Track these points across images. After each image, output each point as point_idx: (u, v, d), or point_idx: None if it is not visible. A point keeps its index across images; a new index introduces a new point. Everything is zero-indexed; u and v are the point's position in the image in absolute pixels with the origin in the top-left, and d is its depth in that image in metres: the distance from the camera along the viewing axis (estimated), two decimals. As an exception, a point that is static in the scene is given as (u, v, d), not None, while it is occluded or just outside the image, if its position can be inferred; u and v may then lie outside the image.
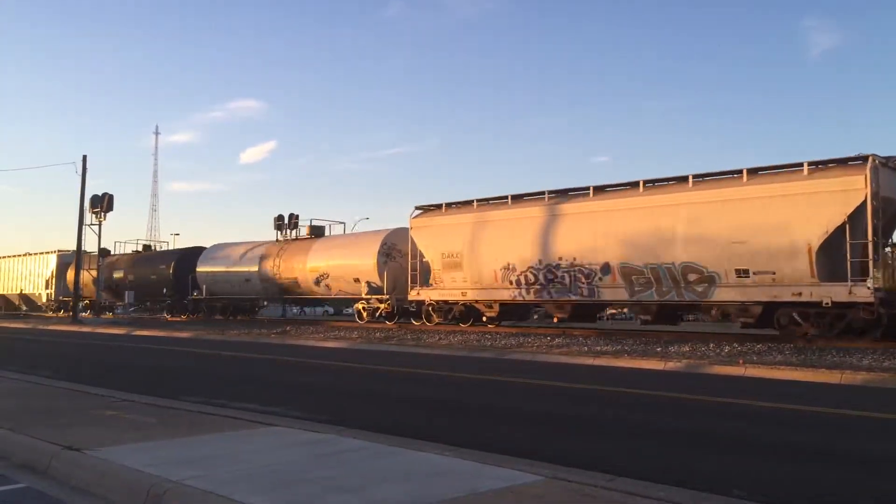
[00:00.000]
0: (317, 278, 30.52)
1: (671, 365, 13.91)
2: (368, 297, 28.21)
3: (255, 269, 33.52)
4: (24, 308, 52.13)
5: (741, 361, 13.65)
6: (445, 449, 5.63)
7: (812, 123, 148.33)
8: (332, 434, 6.33)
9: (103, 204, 39.79)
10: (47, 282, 49.07)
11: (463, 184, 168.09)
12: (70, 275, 43.53)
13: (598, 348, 16.73)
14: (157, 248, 47.23)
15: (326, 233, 34.40)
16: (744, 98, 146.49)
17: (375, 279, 27.84)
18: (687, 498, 4.36)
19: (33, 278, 50.66)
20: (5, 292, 54.18)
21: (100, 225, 40.16)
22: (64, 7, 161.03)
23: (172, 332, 27.00)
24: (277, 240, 34.26)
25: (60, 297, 47.72)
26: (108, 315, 44.16)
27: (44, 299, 49.48)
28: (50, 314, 46.89)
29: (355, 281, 28.76)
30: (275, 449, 5.71)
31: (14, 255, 53.96)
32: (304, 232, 34.34)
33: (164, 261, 40.88)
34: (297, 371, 14.27)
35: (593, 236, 20.94)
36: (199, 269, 36.72)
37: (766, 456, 6.21)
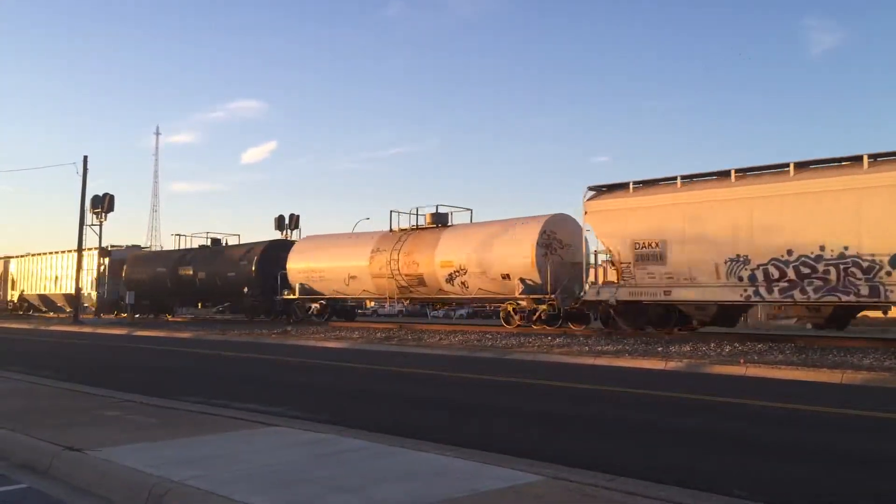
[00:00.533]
0: (449, 275, 25.26)
1: (672, 365, 13.91)
2: (522, 297, 23.24)
3: (365, 263, 28.30)
4: (69, 309, 45.24)
5: (742, 361, 13.65)
6: (446, 449, 5.64)
7: (812, 123, 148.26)
8: (333, 434, 6.33)
9: (104, 204, 39.93)
10: (95, 280, 44.26)
11: (463, 183, 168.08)
12: (122, 273, 40.90)
13: (599, 348, 16.73)
14: (226, 243, 40.42)
15: (449, 221, 28.22)
16: (744, 98, 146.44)
17: (533, 276, 22.83)
18: (688, 498, 4.35)
19: (81, 277, 44.06)
20: (47, 292, 48.21)
21: (100, 225, 40.32)
22: (64, 7, 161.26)
23: (173, 332, 27.02)
24: (392, 230, 28.75)
25: (113, 298, 43.27)
26: (182, 318, 39.12)
27: (93, 299, 44.31)
28: (103, 316, 42.17)
29: (503, 278, 23.65)
30: (275, 449, 5.72)
31: (56, 252, 48.04)
32: (423, 221, 28.36)
33: (246, 255, 34.83)
34: (298, 371, 14.27)
35: (879, 218, 16.03)
36: (290, 265, 31.50)
37: (766, 456, 6.21)
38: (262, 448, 5.76)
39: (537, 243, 22.90)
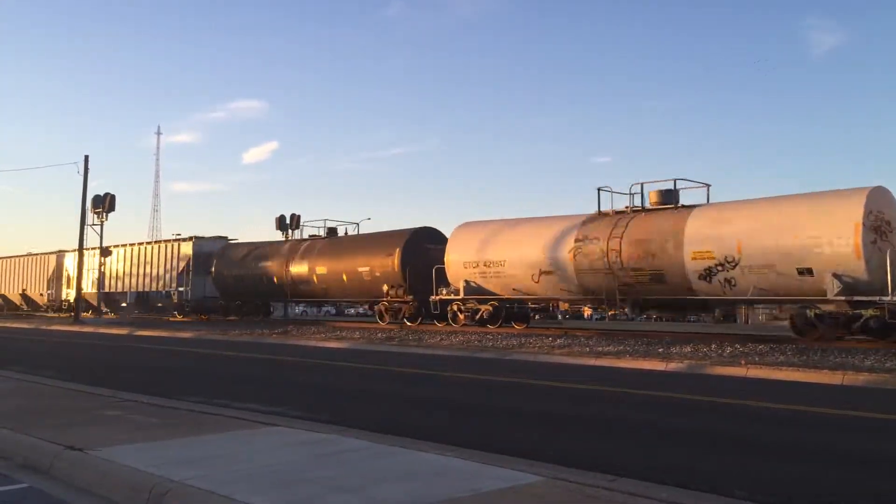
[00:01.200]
0: (706, 269, 19.26)
1: (673, 365, 13.91)
2: (835, 299, 17.20)
3: (565, 255, 22.21)
4: (136, 311, 41.40)
5: (743, 362, 13.64)
6: (446, 449, 5.64)
7: (812, 123, 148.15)
8: (333, 434, 6.34)
9: (105, 204, 39.84)
10: (179, 277, 38.74)
11: (464, 179, 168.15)
12: (211, 269, 36.03)
13: (600, 349, 16.73)
14: (346, 232, 33.99)
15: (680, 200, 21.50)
16: (744, 98, 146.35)
17: (857, 270, 16.87)
18: (689, 498, 4.36)
19: (157, 273, 39.84)
20: (109, 290, 43.03)
21: (101, 225, 40.16)
22: (64, 7, 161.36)
23: (174, 332, 27.02)
24: (600, 212, 22.43)
25: (197, 298, 37.79)
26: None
27: (174, 299, 38.96)
28: (179, 318, 36.93)
29: (801, 274, 17.64)
30: (276, 449, 5.72)
31: (124, 244, 42.17)
32: (639, 202, 22.14)
33: (383, 248, 28.41)
34: (299, 371, 14.28)
35: None
36: (451, 258, 25.01)
37: (767, 456, 6.21)
38: (263, 448, 5.77)
39: (863, 225, 16.83)
